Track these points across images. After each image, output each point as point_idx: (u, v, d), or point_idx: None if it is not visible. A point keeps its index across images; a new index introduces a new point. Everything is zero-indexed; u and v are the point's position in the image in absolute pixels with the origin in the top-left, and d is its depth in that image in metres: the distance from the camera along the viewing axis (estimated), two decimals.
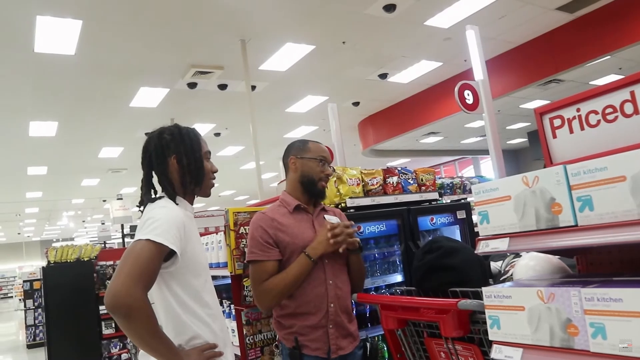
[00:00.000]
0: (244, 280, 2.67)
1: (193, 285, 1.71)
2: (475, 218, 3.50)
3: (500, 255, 2.41)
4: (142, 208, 1.79)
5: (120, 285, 1.47)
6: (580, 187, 1.24)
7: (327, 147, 2.51)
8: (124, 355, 7.07)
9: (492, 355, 1.42)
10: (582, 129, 1.67)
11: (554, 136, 1.75)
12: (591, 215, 1.21)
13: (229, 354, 1.80)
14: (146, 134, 1.89)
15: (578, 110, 1.68)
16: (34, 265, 21.49)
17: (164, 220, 1.62)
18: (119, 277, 1.49)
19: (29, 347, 10.60)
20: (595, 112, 1.63)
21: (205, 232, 4.36)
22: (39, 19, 5.58)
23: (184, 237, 1.66)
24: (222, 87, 8.38)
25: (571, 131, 1.70)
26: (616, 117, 1.58)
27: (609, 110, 1.59)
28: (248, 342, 2.62)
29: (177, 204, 1.76)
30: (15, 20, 5.59)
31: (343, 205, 2.85)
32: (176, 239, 1.61)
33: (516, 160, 17.32)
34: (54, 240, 30.42)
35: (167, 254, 1.61)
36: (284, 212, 2.28)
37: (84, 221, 25.61)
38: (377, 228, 2.94)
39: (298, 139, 2.43)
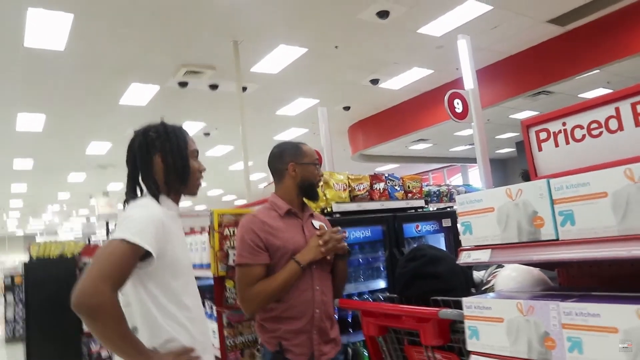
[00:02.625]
0: (227, 281, 2.66)
1: (172, 287, 1.67)
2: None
3: (483, 265, 2.42)
4: (125, 206, 1.76)
5: (88, 284, 1.43)
6: (563, 201, 1.25)
7: (315, 150, 2.52)
8: (104, 353, 7.00)
9: None
10: (568, 143, 1.68)
11: (540, 149, 1.76)
12: (572, 230, 1.22)
13: (208, 359, 1.76)
14: (136, 130, 1.84)
15: (564, 124, 1.69)
16: (16, 260, 21.23)
17: (142, 219, 1.59)
18: (89, 276, 1.45)
19: (7, 342, 10.48)
20: (581, 127, 1.64)
21: (191, 232, 4.34)
22: (30, 11, 5.52)
23: (163, 237, 1.62)
24: (213, 87, 8.35)
25: (557, 145, 1.71)
26: (601, 133, 1.59)
27: (594, 125, 1.60)
28: (228, 344, 2.61)
29: (159, 203, 1.73)
30: (6, 12, 5.53)
31: (329, 209, 2.85)
32: (153, 239, 1.57)
33: (504, 170, 17.42)
34: (39, 234, 30.10)
35: (144, 255, 1.57)
36: (275, 215, 2.27)
37: (69, 216, 25.38)
38: (362, 234, 2.95)
39: (287, 142, 2.41)
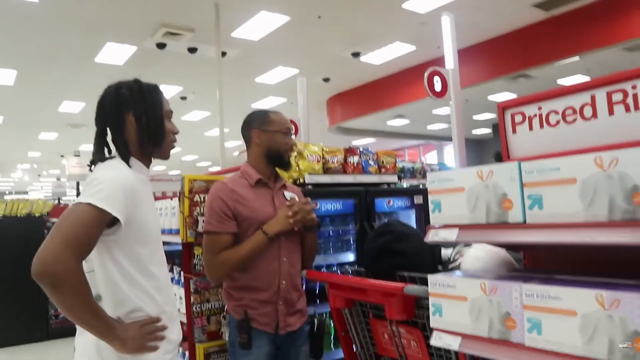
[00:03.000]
0: (195, 248, 2.64)
1: (139, 255, 1.59)
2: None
3: (451, 243, 2.45)
4: (92, 168, 1.65)
5: (50, 251, 1.35)
6: (533, 185, 1.25)
7: (291, 120, 2.48)
8: None
9: (432, 341, 1.45)
10: (542, 127, 1.69)
11: (514, 131, 1.78)
12: (540, 214, 1.23)
13: (175, 328, 1.70)
14: (107, 87, 1.72)
15: (540, 108, 1.70)
16: None
17: (110, 183, 1.50)
18: (51, 242, 1.37)
19: None
20: (556, 112, 1.65)
21: (163, 197, 4.29)
22: None
23: (132, 203, 1.54)
24: (192, 50, 8.18)
25: (531, 128, 1.72)
26: (575, 119, 1.60)
27: (569, 111, 1.61)
28: (195, 310, 2.60)
29: (129, 166, 1.64)
30: None
31: (301, 180, 2.84)
32: (121, 205, 1.49)
33: (479, 151, 17.60)
34: (7, 192, 29.52)
35: (111, 221, 1.49)
36: (245, 184, 2.24)
37: (39, 175, 24.91)
38: (334, 206, 2.95)
39: (258, 110, 2.37)
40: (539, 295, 1.20)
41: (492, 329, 1.30)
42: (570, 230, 1.17)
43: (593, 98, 1.56)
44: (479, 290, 1.33)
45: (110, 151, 1.70)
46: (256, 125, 2.29)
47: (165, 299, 1.68)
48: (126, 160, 1.65)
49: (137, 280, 1.58)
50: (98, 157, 1.66)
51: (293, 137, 2.37)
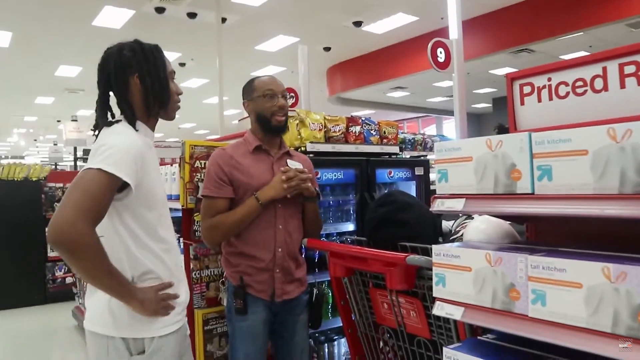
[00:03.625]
0: (195, 214, 2.63)
1: (147, 219, 1.60)
2: (433, 176, 3.54)
3: (452, 215, 2.44)
4: (96, 132, 1.63)
5: (66, 219, 1.35)
6: (542, 156, 1.23)
7: (290, 89, 2.45)
8: (68, 279, 7.00)
9: (434, 311, 1.45)
10: (551, 99, 1.66)
11: (522, 103, 1.75)
12: (549, 185, 1.22)
13: (183, 290, 1.73)
14: (108, 49, 1.69)
15: (549, 79, 1.67)
16: None
17: (120, 148, 1.49)
18: (65, 209, 1.37)
19: None
20: (566, 84, 1.62)
21: (161, 163, 4.26)
22: None
23: (141, 167, 1.54)
24: (192, 15, 8.03)
25: (539, 100, 1.70)
26: (585, 92, 1.57)
27: (580, 83, 1.58)
28: (194, 276, 2.61)
29: (136, 130, 1.63)
30: None
31: (303, 149, 2.81)
32: (131, 170, 1.49)
33: (478, 125, 17.54)
34: (3, 157, 29.39)
35: (121, 185, 1.49)
36: (244, 151, 2.24)
37: (35, 140, 24.76)
38: (335, 175, 2.93)
39: (251, 79, 2.35)
40: (544, 267, 1.19)
41: (496, 299, 1.29)
42: (579, 202, 1.16)
43: (604, 70, 1.53)
44: (484, 261, 1.32)
45: (113, 115, 1.67)
46: (244, 95, 2.32)
47: (173, 261, 1.70)
48: (132, 123, 1.64)
49: (146, 244, 1.60)
50: (102, 121, 1.63)
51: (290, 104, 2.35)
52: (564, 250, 1.31)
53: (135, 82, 1.65)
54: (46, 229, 1.40)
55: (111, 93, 1.68)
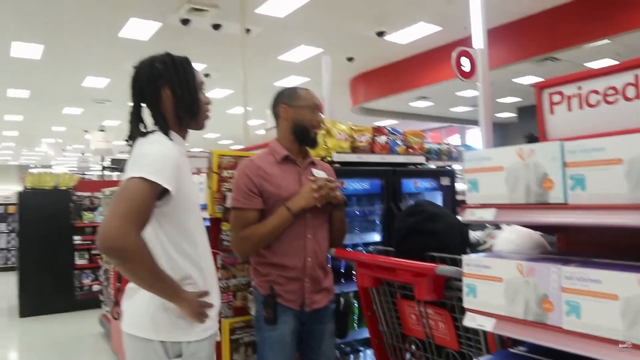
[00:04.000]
0: (222, 224, 2.65)
1: (185, 225, 1.67)
2: (460, 186, 3.52)
3: (480, 225, 2.42)
4: (130, 142, 1.69)
5: (114, 227, 1.42)
6: (575, 165, 1.22)
7: None
8: (96, 287, 7.10)
9: (465, 322, 1.44)
10: (581, 107, 1.65)
11: (552, 112, 1.73)
12: (582, 195, 1.20)
13: (216, 296, 1.78)
14: (140, 62, 1.75)
15: (579, 88, 1.65)
16: (9, 189, 21.26)
17: (158, 157, 1.55)
18: (113, 218, 1.43)
19: (1, 270, 10.59)
20: (596, 92, 1.60)
21: None
22: None
23: (178, 175, 1.60)
24: (216, 27, 8.14)
25: (569, 109, 1.68)
26: (617, 100, 1.56)
27: (611, 91, 1.57)
28: (222, 285, 2.63)
29: (171, 139, 1.68)
30: None
31: (329, 159, 2.82)
32: (171, 178, 1.55)
33: (503, 135, 17.34)
34: (32, 166, 30.01)
35: (161, 193, 1.55)
36: (272, 161, 2.24)
37: (63, 150, 25.24)
38: (361, 185, 2.94)
39: (288, 87, 2.36)
40: (578, 278, 1.18)
41: (528, 311, 1.28)
42: (614, 212, 1.14)
43: (637, 77, 1.51)
44: (516, 271, 1.31)
45: (145, 126, 1.72)
46: (284, 100, 2.28)
47: (208, 267, 1.76)
48: (166, 133, 1.69)
49: (185, 250, 1.66)
50: (137, 132, 1.69)
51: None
52: (598, 261, 1.29)
53: (166, 93, 1.71)
54: (96, 237, 1.46)
55: (144, 104, 1.74)
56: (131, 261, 1.45)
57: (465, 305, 1.45)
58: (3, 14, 7.48)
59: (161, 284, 1.54)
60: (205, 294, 1.68)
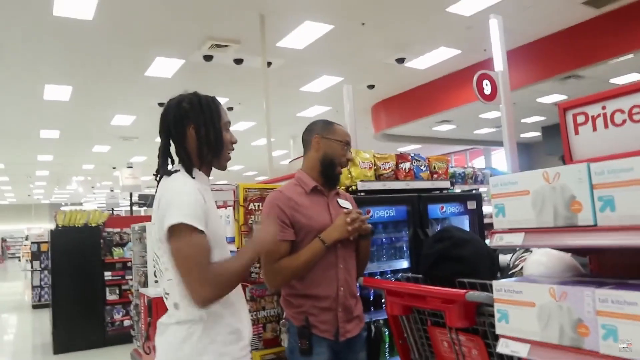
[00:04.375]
0: None
1: (214, 259, 1.68)
2: (487, 210, 3.48)
3: (509, 249, 2.39)
4: (157, 178, 1.75)
5: (202, 284, 1.55)
6: (603, 186, 1.21)
7: None
8: (126, 322, 7.16)
9: (499, 349, 1.41)
10: (606, 127, 1.63)
11: (576, 132, 1.72)
12: (612, 216, 1.19)
13: (247, 326, 1.81)
14: (169, 100, 1.82)
15: (603, 107, 1.64)
16: (41, 228, 21.72)
17: (188, 200, 1.60)
18: (194, 275, 1.56)
19: (34, 307, 10.76)
20: (622, 111, 1.59)
21: None
22: None
23: (205, 214, 1.64)
24: (238, 61, 8.32)
25: (594, 129, 1.66)
26: None
27: (636, 109, 1.55)
28: (251, 318, 2.63)
29: (193, 177, 1.71)
30: None
31: (354, 187, 2.83)
32: (201, 219, 1.60)
33: (528, 154, 17.17)
34: (63, 204, 30.66)
35: None
36: (301, 192, 2.26)
37: (93, 187, 25.77)
38: (387, 213, 2.93)
39: (323, 119, 2.39)
40: (613, 301, 1.16)
41: (563, 335, 1.26)
42: None
43: None
44: (548, 295, 1.29)
45: (173, 162, 1.78)
46: (318, 131, 2.31)
47: (238, 298, 1.79)
48: (189, 171, 1.72)
49: None
50: (163, 169, 1.75)
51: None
52: (634, 282, 1.27)
53: (191, 132, 1.75)
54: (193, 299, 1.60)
55: (172, 142, 1.79)
56: (229, 289, 1.65)
57: (498, 331, 1.42)
58: (37, 59, 7.80)
59: (247, 266, 1.72)
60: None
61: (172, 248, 1.59)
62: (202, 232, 1.59)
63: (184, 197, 1.61)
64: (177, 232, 1.57)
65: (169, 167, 1.78)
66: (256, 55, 7.63)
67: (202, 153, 1.75)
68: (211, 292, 1.56)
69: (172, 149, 1.79)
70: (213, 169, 1.88)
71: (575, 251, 1.76)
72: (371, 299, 2.78)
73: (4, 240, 31.99)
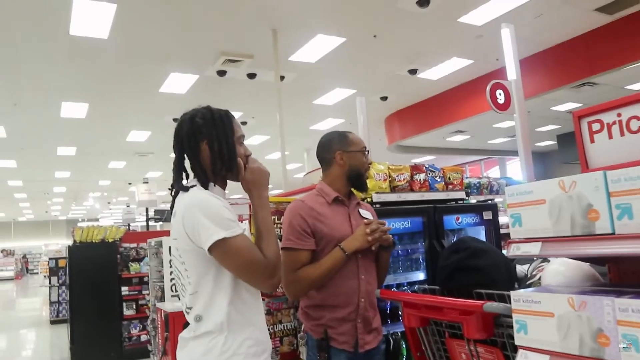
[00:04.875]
0: None
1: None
2: (503, 220, 3.46)
3: (527, 259, 2.37)
4: (172, 192, 1.76)
5: (270, 280, 1.64)
6: (620, 194, 1.20)
7: None
8: (143, 337, 7.18)
9: None
10: (622, 134, 1.62)
11: (592, 141, 1.71)
12: (630, 224, 1.18)
13: (267, 338, 1.81)
14: (183, 115, 1.82)
15: (619, 115, 1.63)
16: (59, 244, 21.94)
17: (218, 216, 1.62)
18: (259, 279, 1.64)
19: (52, 322, 10.85)
20: (637, 118, 1.58)
21: None
22: (75, 2, 5.66)
23: (234, 215, 1.67)
24: (251, 76, 8.39)
25: (610, 136, 1.66)
26: None
27: None
28: (268, 331, 2.63)
29: (208, 191, 1.72)
30: (53, 2, 5.67)
31: (369, 200, 2.83)
32: (232, 222, 1.63)
33: (544, 163, 17.03)
34: (80, 220, 31.00)
35: None
36: (322, 202, 2.28)
37: (109, 203, 26.02)
38: (402, 225, 2.92)
39: (334, 132, 2.41)
40: (634, 310, 1.14)
41: (584, 346, 1.24)
42: None
43: None
44: (567, 305, 1.28)
45: (187, 176, 1.79)
46: (337, 146, 2.33)
47: (259, 310, 1.79)
48: (205, 186, 1.73)
49: (238, 295, 1.68)
50: (178, 185, 1.75)
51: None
52: None
53: (204, 147, 1.75)
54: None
55: (185, 156, 1.80)
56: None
57: (517, 342, 1.41)
58: (54, 77, 7.95)
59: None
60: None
61: (225, 264, 1.63)
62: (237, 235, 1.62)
63: (214, 215, 1.62)
64: (220, 247, 1.59)
65: (184, 181, 1.78)
66: (269, 69, 7.69)
67: (216, 167, 1.76)
68: (277, 279, 1.66)
69: (187, 163, 1.81)
70: (233, 181, 1.88)
71: (594, 260, 1.75)
72: (388, 311, 2.77)
73: (24, 256, 32.36)
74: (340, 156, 2.31)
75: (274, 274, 1.64)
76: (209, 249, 1.58)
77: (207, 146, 1.75)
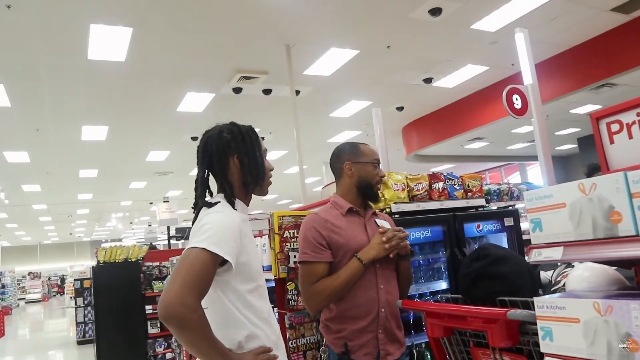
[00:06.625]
0: (288, 284, 2.67)
1: (246, 291, 1.68)
2: (525, 225, 3.40)
3: (550, 265, 2.33)
4: (195, 210, 1.74)
5: (174, 296, 1.44)
6: None
7: None
8: (169, 355, 7.21)
9: None
10: None
11: (611, 142, 1.68)
12: None
13: (282, 356, 1.77)
14: (206, 132, 1.84)
15: (638, 114, 1.60)
16: (84, 265, 22.22)
17: (221, 228, 1.58)
18: (172, 286, 1.45)
19: (79, 343, 10.94)
20: None
21: None
22: (92, 27, 5.78)
23: (240, 244, 1.62)
24: (267, 91, 8.45)
25: (630, 136, 1.63)
26: None
27: None
28: (291, 346, 2.62)
29: (235, 209, 1.72)
30: (71, 28, 5.81)
31: (388, 210, 2.82)
32: (231, 248, 1.57)
33: (565, 167, 16.80)
34: (103, 240, 31.37)
35: (222, 262, 1.57)
36: (337, 214, 2.27)
37: (131, 223, 26.30)
38: (422, 234, 2.90)
39: (346, 142, 2.41)
40: None
41: (612, 352, 1.21)
42: None
43: None
44: (593, 310, 1.25)
45: (211, 193, 1.79)
46: (347, 157, 2.32)
47: (270, 329, 1.75)
48: (231, 202, 1.73)
49: (244, 313, 1.66)
50: (202, 201, 1.74)
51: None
52: None
53: (234, 162, 1.77)
54: (158, 306, 1.48)
55: (210, 173, 1.80)
56: (188, 329, 1.45)
57: (543, 349, 1.38)
58: (74, 102, 8.10)
59: (215, 353, 1.53)
60: (266, 350, 1.67)
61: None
62: (218, 256, 1.54)
63: (218, 224, 1.60)
64: (194, 251, 1.53)
65: (207, 198, 1.78)
66: (284, 84, 7.75)
67: (246, 182, 1.77)
68: (170, 308, 1.44)
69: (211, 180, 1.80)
70: (258, 195, 1.88)
71: (620, 264, 1.71)
72: (411, 321, 2.74)
73: (49, 279, 32.79)
74: (349, 167, 2.30)
75: (176, 302, 1.43)
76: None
77: (237, 160, 1.76)
